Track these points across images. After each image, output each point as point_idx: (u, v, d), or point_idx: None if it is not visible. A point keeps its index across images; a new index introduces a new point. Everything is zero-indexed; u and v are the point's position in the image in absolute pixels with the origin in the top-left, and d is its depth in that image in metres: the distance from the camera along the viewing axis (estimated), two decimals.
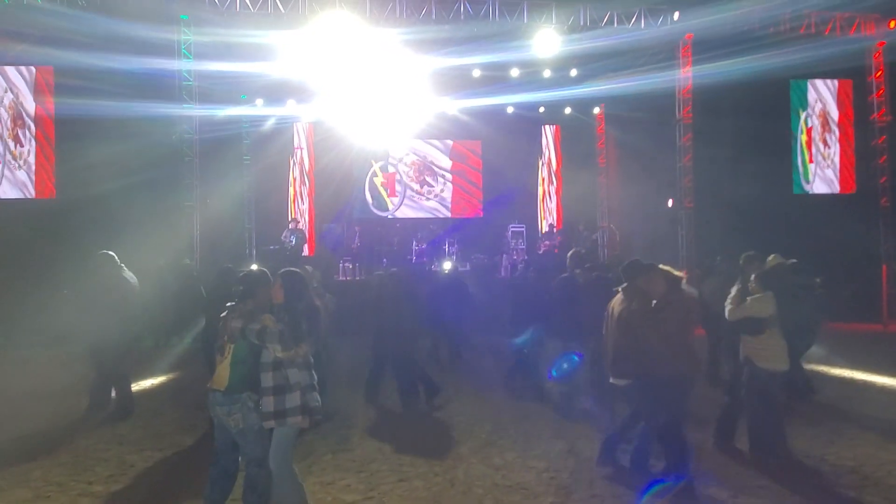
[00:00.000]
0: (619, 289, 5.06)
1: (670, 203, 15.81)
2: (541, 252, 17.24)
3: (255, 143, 17.83)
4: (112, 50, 11.90)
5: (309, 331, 4.06)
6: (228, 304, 4.11)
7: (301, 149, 18.75)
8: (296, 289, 4.06)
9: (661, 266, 5.01)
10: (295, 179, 18.64)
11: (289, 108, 17.37)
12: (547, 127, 19.82)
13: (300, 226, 17.86)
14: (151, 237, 12.25)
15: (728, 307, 5.47)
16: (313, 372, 3.99)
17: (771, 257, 7.45)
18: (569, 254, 7.70)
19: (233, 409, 3.91)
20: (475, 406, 7.25)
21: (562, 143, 19.87)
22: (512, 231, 17.83)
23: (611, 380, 5.03)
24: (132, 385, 7.31)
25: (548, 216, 19.83)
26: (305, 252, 17.29)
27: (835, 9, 14.33)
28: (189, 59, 13.33)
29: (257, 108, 17.19)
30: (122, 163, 12.72)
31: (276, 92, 16.45)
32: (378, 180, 19.21)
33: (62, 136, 13.24)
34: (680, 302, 4.88)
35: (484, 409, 7.12)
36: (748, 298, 5.34)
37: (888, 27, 14.84)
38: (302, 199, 18.68)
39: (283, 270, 4.19)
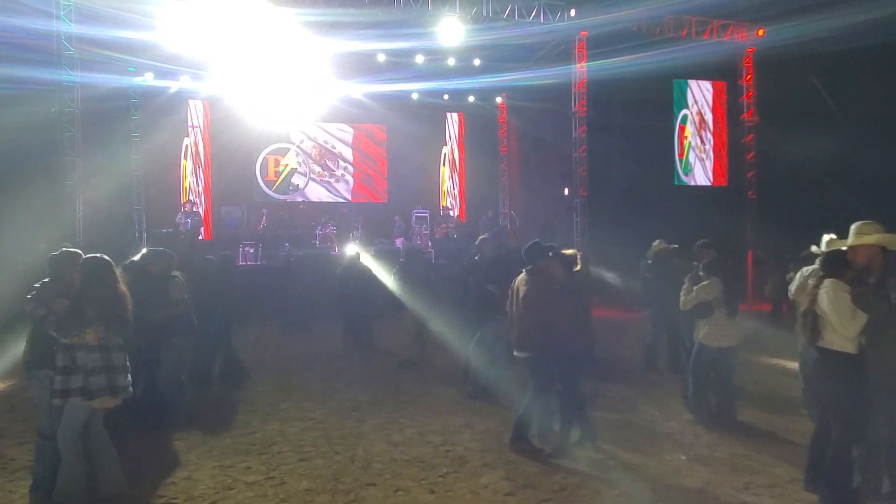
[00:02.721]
0: (524, 270, 5.38)
1: (566, 191, 16.65)
2: (438, 236, 17.54)
3: (144, 119, 16.80)
4: None
5: (106, 316, 4.08)
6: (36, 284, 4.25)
7: (196, 127, 17.92)
8: (93, 275, 4.14)
9: (561, 250, 5.41)
10: (189, 159, 17.81)
11: (183, 84, 16.53)
12: (451, 114, 20.15)
13: (196, 208, 17.13)
14: (26, 218, 11.33)
15: (682, 297, 5.85)
16: (115, 354, 4.12)
17: (656, 242, 8.17)
18: (478, 240, 7.60)
19: (31, 385, 4.30)
20: (378, 387, 7.41)
21: (465, 131, 20.28)
22: (416, 216, 18.04)
23: (514, 353, 5.35)
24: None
25: (450, 201, 20.22)
26: (202, 236, 16.62)
27: (712, 15, 15.61)
28: (69, 25, 12.35)
29: (147, 81, 16.19)
30: None
31: (168, 66, 15.57)
32: (279, 162, 18.74)
33: None
34: (577, 283, 5.32)
35: (387, 389, 7.29)
36: (694, 287, 5.78)
37: (757, 35, 16.37)
38: (197, 181, 17.88)
39: (86, 256, 4.28)
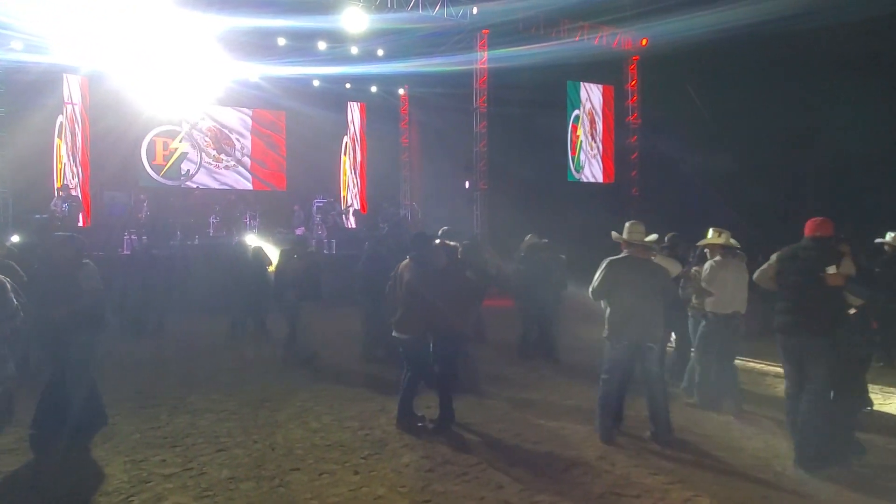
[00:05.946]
0: (409, 256, 5.63)
1: (467, 184, 17.12)
2: (329, 224, 17.30)
3: (12, 96, 15.18)
4: None
5: None
6: None
7: (73, 104, 16.48)
8: None
9: (442, 240, 5.76)
10: (64, 139, 16.36)
11: (56, 59, 15.07)
12: (352, 104, 19.98)
13: (74, 192, 15.81)
14: None
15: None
16: None
17: (528, 237, 8.66)
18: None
19: None
20: (287, 378, 7.34)
21: (367, 121, 20.20)
22: (316, 206, 17.76)
23: (394, 333, 5.56)
24: None
25: (351, 191, 20.09)
26: (80, 222, 15.37)
27: (602, 22, 16.68)
28: None
29: (14, 54, 14.62)
30: None
31: (38, 39, 14.17)
32: (168, 145, 17.72)
33: None
34: (457, 272, 5.65)
35: (298, 380, 7.24)
36: None
37: (641, 44, 17.68)
38: (74, 162, 16.48)
39: None
